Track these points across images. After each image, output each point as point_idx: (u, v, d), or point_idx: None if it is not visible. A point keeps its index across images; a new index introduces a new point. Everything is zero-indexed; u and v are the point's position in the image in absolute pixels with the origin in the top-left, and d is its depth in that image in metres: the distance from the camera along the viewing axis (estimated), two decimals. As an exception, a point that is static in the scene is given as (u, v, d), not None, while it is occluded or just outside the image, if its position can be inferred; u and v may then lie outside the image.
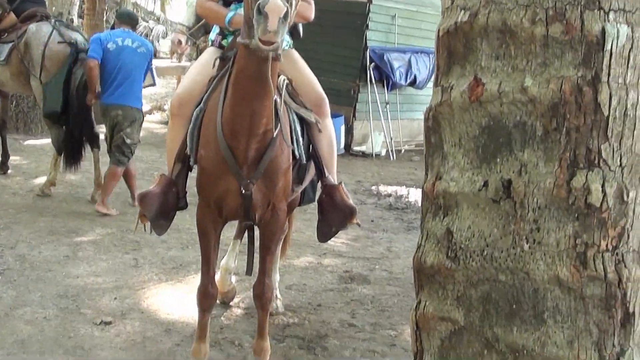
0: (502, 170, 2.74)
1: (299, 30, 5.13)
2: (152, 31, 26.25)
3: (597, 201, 2.63)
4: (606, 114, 2.65)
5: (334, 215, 4.81)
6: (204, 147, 4.33)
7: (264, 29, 3.44)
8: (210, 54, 4.90)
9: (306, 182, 5.01)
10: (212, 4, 4.85)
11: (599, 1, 2.67)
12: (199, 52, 13.33)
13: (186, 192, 4.72)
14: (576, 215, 2.65)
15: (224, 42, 4.90)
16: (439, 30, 2.97)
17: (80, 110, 8.23)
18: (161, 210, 4.60)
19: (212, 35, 5.07)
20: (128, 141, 8.04)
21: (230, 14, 4.68)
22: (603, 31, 2.65)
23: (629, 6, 2.68)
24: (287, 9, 3.46)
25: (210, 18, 5.07)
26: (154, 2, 11.88)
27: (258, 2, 3.46)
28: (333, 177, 4.87)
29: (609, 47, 2.65)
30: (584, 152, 2.65)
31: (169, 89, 18.07)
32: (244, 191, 4.20)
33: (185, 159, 4.62)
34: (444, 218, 2.89)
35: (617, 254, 2.65)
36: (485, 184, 2.76)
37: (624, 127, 2.66)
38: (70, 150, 8.38)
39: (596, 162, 2.65)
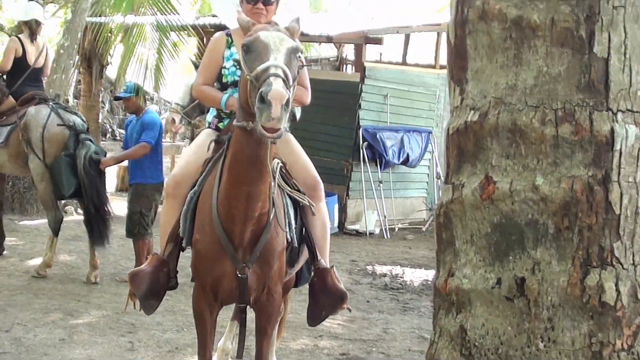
0: (515, 268, 2.75)
1: (295, 113, 5.08)
2: (145, 110, 26.53)
3: (612, 300, 2.64)
4: (617, 212, 2.68)
5: (325, 300, 4.77)
6: (199, 231, 4.31)
7: (267, 116, 3.47)
8: (205, 136, 4.92)
9: (299, 265, 4.95)
10: (208, 88, 4.92)
11: (607, 102, 2.72)
12: (193, 131, 13.40)
13: (177, 272, 4.69)
14: (591, 314, 2.65)
15: (220, 125, 4.96)
16: (448, 128, 3.01)
17: (92, 187, 8.27)
18: (151, 289, 4.58)
19: (209, 117, 5.13)
20: None
21: (225, 97, 4.72)
22: (612, 131, 2.70)
23: (637, 107, 2.74)
24: (289, 95, 3.50)
25: (206, 100, 5.13)
26: (148, 81, 12.02)
27: (260, 90, 3.50)
28: (325, 261, 4.82)
29: (618, 147, 2.70)
30: (597, 250, 2.67)
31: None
32: (239, 274, 4.18)
33: (178, 239, 4.59)
34: (457, 315, 2.88)
35: (632, 352, 2.65)
36: (499, 282, 2.76)
37: (636, 226, 2.69)
38: (94, 227, 8.33)
39: (609, 260, 2.67)
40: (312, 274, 4.86)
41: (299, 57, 3.97)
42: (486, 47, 2.91)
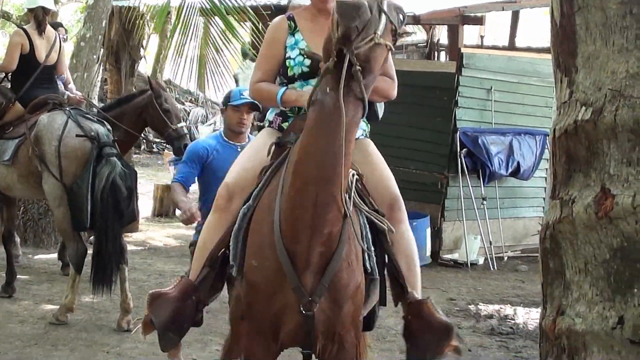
0: (640, 304, 2.74)
1: (377, 111, 5.11)
2: (188, 115, 26.69)
3: None
4: None
5: (426, 338, 4.67)
6: (255, 255, 4.34)
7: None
8: (265, 137, 5.02)
9: (372, 302, 4.89)
10: (267, 84, 4.99)
11: None
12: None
13: (205, 305, 4.80)
14: None
15: (284, 125, 5.01)
16: (554, 130, 3.03)
17: (108, 219, 8.35)
18: (174, 319, 4.65)
19: (270, 115, 5.19)
20: None
21: (282, 90, 4.84)
22: None
23: None
24: None
25: (264, 99, 5.26)
26: (189, 79, 12.06)
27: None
28: (417, 293, 4.81)
29: None
30: None
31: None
32: (304, 311, 4.19)
33: (216, 263, 4.68)
34: (569, 364, 2.88)
35: None
36: (620, 321, 2.76)
37: None
38: (99, 269, 8.40)
39: None
40: (404, 311, 4.80)
41: (402, 20, 3.97)
42: (600, 26, 2.91)
